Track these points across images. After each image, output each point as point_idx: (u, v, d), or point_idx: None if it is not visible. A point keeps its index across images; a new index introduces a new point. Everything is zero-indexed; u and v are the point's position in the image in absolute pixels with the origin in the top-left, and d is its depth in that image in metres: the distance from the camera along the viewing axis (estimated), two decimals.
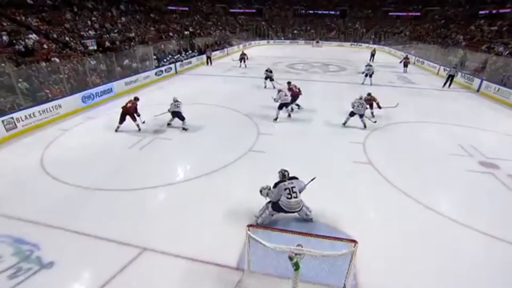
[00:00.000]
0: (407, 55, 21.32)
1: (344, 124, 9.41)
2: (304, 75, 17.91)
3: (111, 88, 12.52)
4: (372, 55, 23.69)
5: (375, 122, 9.59)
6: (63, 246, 4.48)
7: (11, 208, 5.31)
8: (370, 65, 15.66)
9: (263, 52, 28.04)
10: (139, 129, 8.80)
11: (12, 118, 8.51)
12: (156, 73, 15.90)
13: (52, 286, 3.86)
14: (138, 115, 8.80)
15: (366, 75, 15.47)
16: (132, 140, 8.25)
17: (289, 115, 9.95)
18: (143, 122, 9.08)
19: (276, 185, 4.82)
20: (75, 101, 10.71)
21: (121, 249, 4.42)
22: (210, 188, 6.06)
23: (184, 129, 8.96)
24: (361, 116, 9.15)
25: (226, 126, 9.38)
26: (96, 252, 4.41)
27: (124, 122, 8.78)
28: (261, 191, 4.91)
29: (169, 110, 9.02)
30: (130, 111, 8.63)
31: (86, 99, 11.18)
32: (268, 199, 4.91)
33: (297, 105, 10.84)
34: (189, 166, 7.06)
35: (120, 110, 8.77)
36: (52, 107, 9.79)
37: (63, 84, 10.91)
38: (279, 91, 9.80)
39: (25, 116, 8.89)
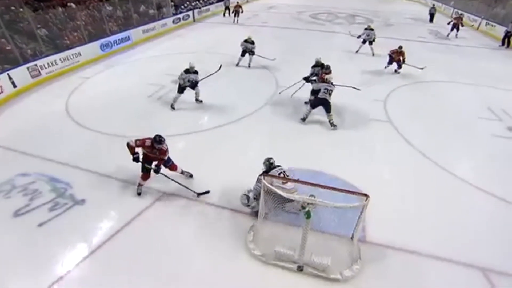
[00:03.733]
0: (461, 15, 15.71)
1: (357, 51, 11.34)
2: (328, 26, 16.74)
3: (128, 36, 12.32)
4: (432, 15, 18.50)
5: (398, 72, 9.71)
6: (92, 187, 4.87)
7: (43, 151, 5.69)
8: (372, 29, 11.65)
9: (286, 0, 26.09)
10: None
11: (36, 65, 8.67)
12: (173, 21, 15.31)
13: (86, 220, 4.29)
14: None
15: (364, 42, 11.65)
16: (151, 89, 8.35)
17: (332, 125, 6.70)
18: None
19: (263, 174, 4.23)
20: (94, 49, 10.69)
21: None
22: (228, 138, 6.26)
23: (198, 100, 7.59)
24: (370, 43, 11.33)
25: (245, 78, 9.31)
26: (120, 193, 4.78)
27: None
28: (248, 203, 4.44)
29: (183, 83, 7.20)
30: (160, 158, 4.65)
31: (105, 47, 11.12)
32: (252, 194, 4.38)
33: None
34: (207, 116, 7.16)
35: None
36: (73, 54, 9.85)
37: (81, 31, 10.80)
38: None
39: (48, 63, 9.03)
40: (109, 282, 3.46)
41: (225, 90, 8.39)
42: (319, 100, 6.53)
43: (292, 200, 3.95)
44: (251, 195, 4.34)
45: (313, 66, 7.70)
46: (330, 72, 7.06)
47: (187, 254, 3.80)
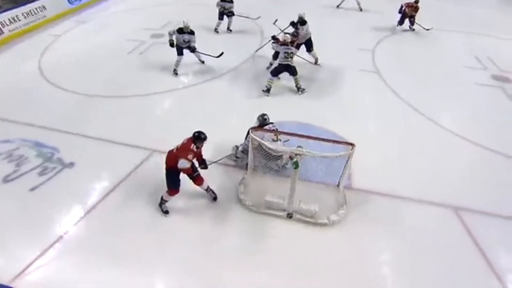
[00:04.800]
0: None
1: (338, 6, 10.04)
2: None
3: None
4: None
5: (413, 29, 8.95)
6: (79, 149, 4.81)
7: (22, 115, 5.47)
8: None
9: None
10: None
11: None
12: None
13: (78, 182, 4.31)
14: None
15: None
16: (130, 45, 7.88)
17: (299, 89, 6.17)
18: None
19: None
20: (60, 2, 9.68)
21: (132, 151, 4.76)
22: (214, 93, 6.18)
23: (200, 61, 7.01)
24: None
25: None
26: (109, 154, 4.75)
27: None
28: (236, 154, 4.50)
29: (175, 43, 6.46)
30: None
31: (73, 0, 10.13)
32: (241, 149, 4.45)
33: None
34: (192, 71, 6.90)
35: None
36: (36, 8, 8.93)
37: None
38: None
39: (9, 19, 8.21)
40: (108, 239, 3.60)
41: (209, 42, 7.92)
42: (280, 67, 5.86)
43: (279, 158, 4.09)
44: (240, 148, 4.42)
45: (294, 24, 6.54)
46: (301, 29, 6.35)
47: (181, 209, 3.94)
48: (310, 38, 6.61)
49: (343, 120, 5.41)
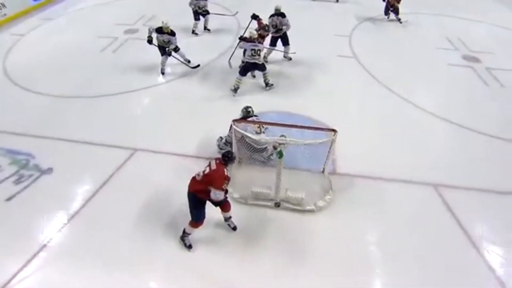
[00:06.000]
0: None
1: None
2: None
3: None
4: None
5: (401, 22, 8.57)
6: (57, 154, 4.62)
7: None
8: None
9: None
10: None
11: None
12: None
13: (59, 187, 4.15)
14: None
15: None
16: (103, 43, 7.56)
17: (267, 85, 5.94)
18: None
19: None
20: None
21: (113, 152, 4.62)
22: (194, 88, 6.07)
23: (186, 60, 6.60)
24: None
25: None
26: (89, 156, 4.59)
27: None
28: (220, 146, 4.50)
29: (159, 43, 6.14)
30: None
31: None
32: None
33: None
34: (171, 66, 6.66)
35: None
36: None
37: None
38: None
39: None
40: (94, 244, 3.50)
41: (186, 38, 7.71)
42: (248, 65, 5.62)
43: (264, 150, 4.10)
44: (223, 140, 4.41)
45: (272, 16, 6.31)
46: (261, 24, 6.04)
47: (168, 206, 3.88)
48: (286, 33, 6.36)
49: (324, 106, 5.47)
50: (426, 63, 6.96)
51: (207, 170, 3.07)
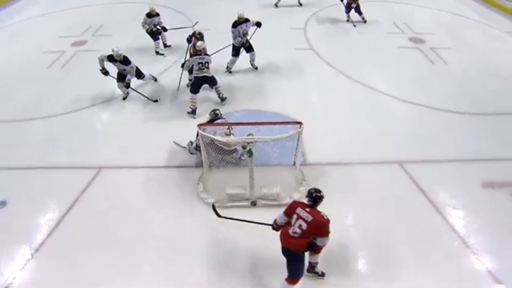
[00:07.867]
0: None
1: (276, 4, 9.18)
2: None
3: None
4: None
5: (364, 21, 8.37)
6: (10, 185, 4.23)
7: None
8: None
9: None
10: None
11: None
12: None
13: (16, 221, 3.79)
14: None
15: None
16: (49, 58, 7.01)
17: (223, 99, 5.52)
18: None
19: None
20: None
21: (76, 173, 4.33)
22: (159, 98, 5.79)
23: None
24: None
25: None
26: (48, 182, 4.27)
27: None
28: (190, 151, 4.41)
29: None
30: None
31: None
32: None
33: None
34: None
35: None
36: None
37: None
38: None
39: None
40: (64, 275, 3.24)
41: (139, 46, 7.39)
42: (198, 80, 5.15)
43: (234, 151, 4.08)
44: (193, 144, 4.32)
45: (238, 25, 5.87)
46: (201, 38, 5.48)
47: (144, 223, 3.72)
48: (248, 40, 6.06)
49: (288, 100, 5.57)
50: (378, 47, 7.36)
51: (303, 223, 2.68)
